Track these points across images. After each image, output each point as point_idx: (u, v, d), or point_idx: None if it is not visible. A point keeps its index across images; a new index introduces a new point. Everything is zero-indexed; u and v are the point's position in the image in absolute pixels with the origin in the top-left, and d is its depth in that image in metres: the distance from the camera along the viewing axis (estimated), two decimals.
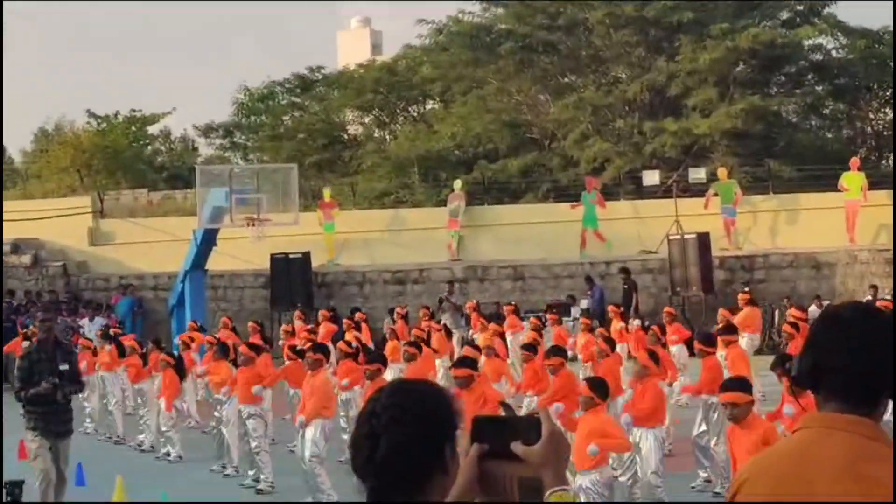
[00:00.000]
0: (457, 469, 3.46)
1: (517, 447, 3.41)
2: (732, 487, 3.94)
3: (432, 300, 37.55)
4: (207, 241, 34.33)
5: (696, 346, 18.59)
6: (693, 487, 16.51)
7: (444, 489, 3.44)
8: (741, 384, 12.02)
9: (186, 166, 59.23)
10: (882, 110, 49.83)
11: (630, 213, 40.21)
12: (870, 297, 35.14)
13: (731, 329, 19.81)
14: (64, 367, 14.91)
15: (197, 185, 35.08)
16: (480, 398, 14.73)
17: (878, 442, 3.69)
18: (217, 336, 25.46)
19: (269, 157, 54.23)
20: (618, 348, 21.31)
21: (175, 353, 24.36)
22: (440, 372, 24.21)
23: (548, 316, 30.31)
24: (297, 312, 32.44)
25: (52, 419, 14.87)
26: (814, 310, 34.99)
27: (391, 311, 33.87)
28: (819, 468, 3.67)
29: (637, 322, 27.17)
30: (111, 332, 27.70)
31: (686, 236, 36.11)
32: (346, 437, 19.59)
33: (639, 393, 15.30)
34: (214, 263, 35.94)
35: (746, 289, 31.90)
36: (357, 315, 32.08)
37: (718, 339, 19.01)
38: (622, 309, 29.52)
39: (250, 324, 28.31)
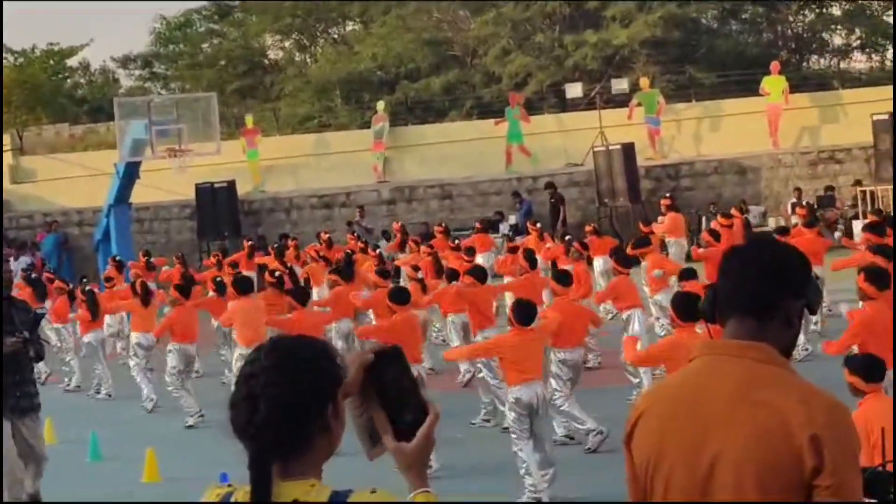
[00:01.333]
0: (341, 426, 3.40)
1: (389, 441, 3.38)
2: (630, 421, 3.95)
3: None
4: (130, 174, 34.04)
5: (612, 264, 18.70)
6: (629, 400, 16.36)
7: (329, 447, 3.40)
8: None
9: (107, 99, 58.32)
10: (801, 13, 49.93)
11: (554, 126, 40.18)
12: (794, 200, 35.47)
13: (643, 241, 19.90)
14: (42, 310, 13.91)
15: (116, 117, 34.72)
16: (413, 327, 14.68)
17: (773, 365, 3.72)
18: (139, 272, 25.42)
19: (190, 85, 53.63)
20: (540, 264, 21.31)
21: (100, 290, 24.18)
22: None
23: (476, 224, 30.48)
24: (219, 244, 32.22)
25: (16, 392, 12.18)
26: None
27: (318, 236, 33.75)
28: (712, 395, 3.71)
29: (558, 237, 27.25)
30: (33, 274, 27.42)
31: (611, 147, 36.17)
32: None
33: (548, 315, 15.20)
34: (139, 196, 35.65)
35: (668, 194, 32.04)
36: (289, 242, 31.96)
37: (638, 252, 19.16)
38: (539, 225, 29.61)
39: (175, 256, 28.17)
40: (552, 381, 14.54)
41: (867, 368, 9.03)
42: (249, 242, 31.36)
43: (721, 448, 3.64)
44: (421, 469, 3.40)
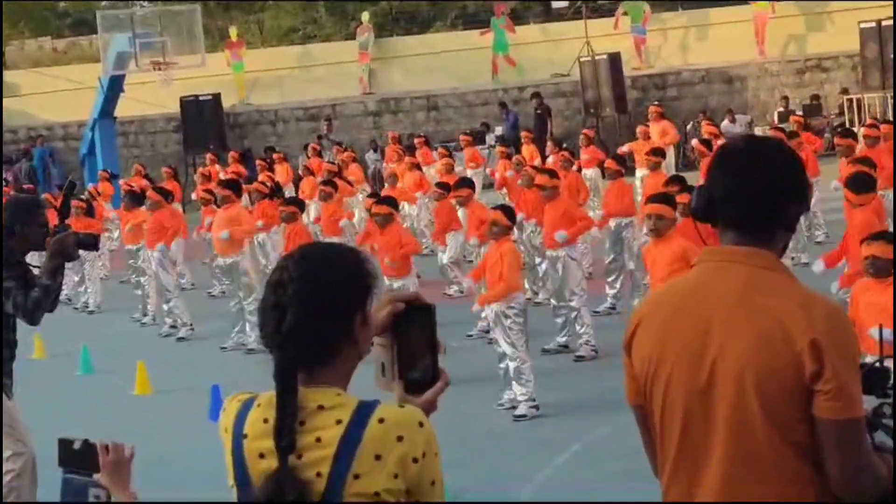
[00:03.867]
0: (368, 337, 3.43)
1: (398, 389, 3.43)
2: (630, 326, 3.96)
3: (347, 135, 37.43)
4: (114, 87, 33.89)
5: (607, 166, 18.48)
6: (597, 312, 16.27)
7: (355, 357, 3.43)
8: (667, 198, 11.93)
9: (91, 11, 57.89)
10: None
11: (540, 36, 39.99)
12: (782, 109, 35.47)
13: (657, 151, 19.49)
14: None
15: (99, 30, 34.52)
16: (397, 240, 14.59)
17: (775, 272, 3.75)
18: (130, 183, 25.21)
19: None
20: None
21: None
22: (356, 214, 23.97)
23: (461, 139, 30.32)
24: (209, 156, 32.10)
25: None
26: (726, 124, 35.29)
27: (305, 148, 33.70)
28: (714, 301, 3.73)
29: (551, 146, 27.09)
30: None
31: (597, 57, 36.04)
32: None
33: (554, 214, 15.05)
34: (123, 110, 35.49)
35: (657, 102, 32.00)
36: (274, 155, 31.92)
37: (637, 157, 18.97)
38: (536, 134, 29.59)
39: (164, 169, 28.00)
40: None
41: None
42: (240, 154, 31.35)
43: (722, 352, 3.67)
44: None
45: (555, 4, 40.24)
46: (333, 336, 3.36)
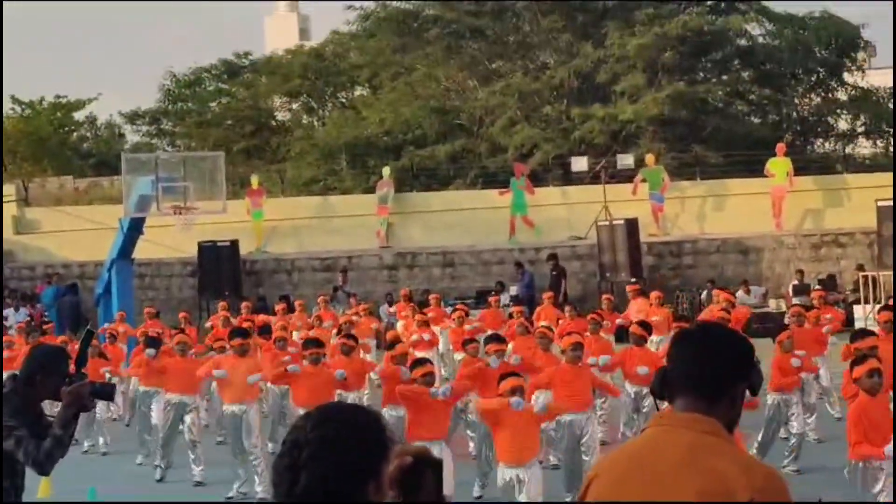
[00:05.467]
0: (383, 500, 3.39)
1: None
2: (584, 484, 4.32)
3: (362, 287, 37.53)
4: (134, 229, 34.03)
5: (632, 331, 18.38)
6: None
7: None
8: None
9: (113, 153, 58.69)
10: (807, 96, 50.23)
11: (558, 199, 40.31)
12: (796, 282, 35.52)
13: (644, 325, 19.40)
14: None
15: (123, 172, 34.78)
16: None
17: (718, 437, 4.15)
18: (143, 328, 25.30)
19: (197, 144, 53.87)
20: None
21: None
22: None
23: (490, 299, 30.35)
24: (221, 303, 32.14)
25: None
26: (741, 295, 35.33)
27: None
28: (663, 461, 4.11)
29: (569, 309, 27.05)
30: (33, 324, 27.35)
31: (614, 222, 36.24)
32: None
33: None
34: (141, 252, 35.63)
35: (633, 280, 32.15)
36: (296, 302, 31.99)
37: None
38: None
39: (181, 314, 28.10)
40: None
41: None
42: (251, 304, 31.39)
43: None
44: None
45: (574, 167, 40.59)
46: (347, 499, 3.31)
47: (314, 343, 17.68)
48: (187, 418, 18.36)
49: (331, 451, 3.31)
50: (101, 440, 21.49)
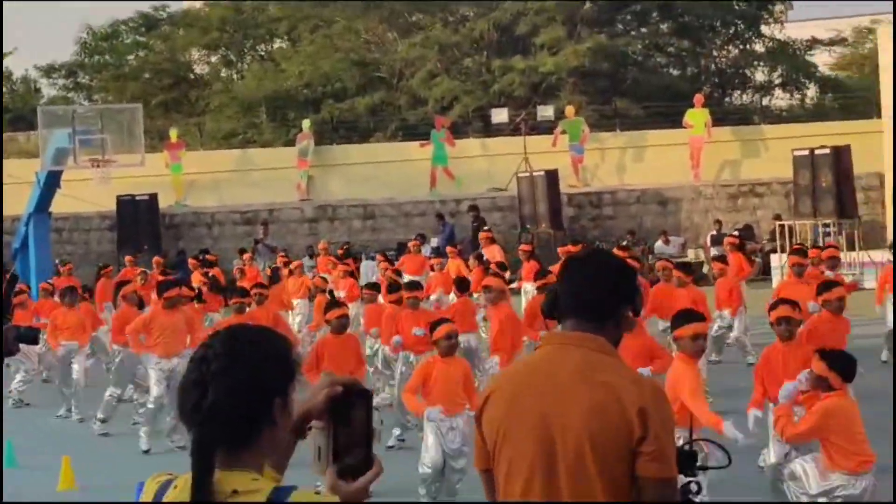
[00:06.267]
0: (288, 422, 3.40)
1: (330, 474, 3.39)
2: (480, 401, 4.57)
3: (283, 241, 37.43)
4: (51, 183, 33.72)
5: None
6: None
7: (274, 442, 3.39)
8: None
9: (29, 108, 57.84)
10: (725, 48, 50.53)
11: (479, 151, 40.35)
12: (714, 232, 35.86)
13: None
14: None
15: (39, 126, 34.42)
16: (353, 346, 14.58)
17: (608, 354, 4.46)
18: (50, 282, 25.18)
19: (114, 97, 53.23)
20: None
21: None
22: (296, 318, 23.94)
23: (410, 244, 30.46)
24: (127, 258, 31.82)
25: None
26: (660, 245, 35.65)
27: (241, 252, 33.61)
28: (558, 376, 4.40)
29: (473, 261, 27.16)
30: None
31: (535, 174, 36.36)
32: None
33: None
34: (59, 206, 35.31)
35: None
36: (208, 257, 31.84)
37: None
38: (472, 247, 29.74)
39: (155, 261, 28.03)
40: None
41: (846, 368, 9.55)
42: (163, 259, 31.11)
43: (564, 421, 4.33)
44: None
45: (495, 119, 40.64)
46: (253, 416, 3.32)
47: (241, 292, 17.62)
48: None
49: (239, 365, 3.31)
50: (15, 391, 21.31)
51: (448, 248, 29.63)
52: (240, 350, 3.35)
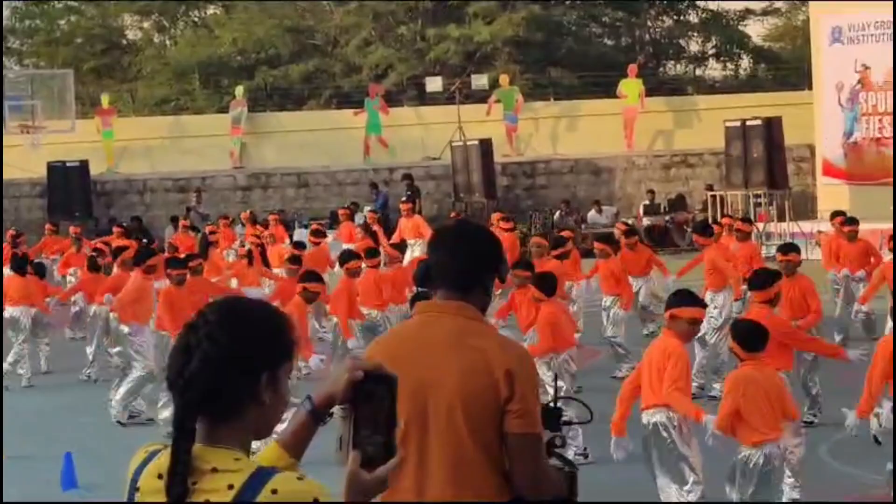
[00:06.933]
0: (278, 403, 3.30)
1: (353, 461, 3.26)
2: None
3: (216, 209, 37.14)
4: None
5: None
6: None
7: (260, 421, 3.30)
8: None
9: None
10: (659, 18, 50.71)
11: (413, 119, 40.30)
12: (647, 202, 36.04)
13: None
14: None
15: None
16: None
17: (478, 321, 4.80)
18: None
19: (45, 62, 52.68)
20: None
21: None
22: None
23: (340, 212, 30.45)
24: (47, 226, 31.37)
25: None
26: (593, 215, 35.78)
27: (174, 220, 33.43)
28: (432, 343, 4.72)
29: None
30: None
31: (469, 143, 36.36)
32: None
33: None
34: None
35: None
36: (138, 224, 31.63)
37: None
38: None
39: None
40: None
41: (747, 338, 9.29)
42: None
43: (438, 384, 4.64)
44: (359, 500, 3.29)
45: (429, 88, 40.58)
46: (237, 389, 3.23)
47: (177, 262, 17.31)
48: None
49: (226, 332, 3.23)
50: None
51: (401, 204, 29.81)
52: (230, 320, 3.26)
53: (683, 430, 9.35)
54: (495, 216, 28.07)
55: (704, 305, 10.12)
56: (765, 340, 9.30)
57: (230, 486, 3.16)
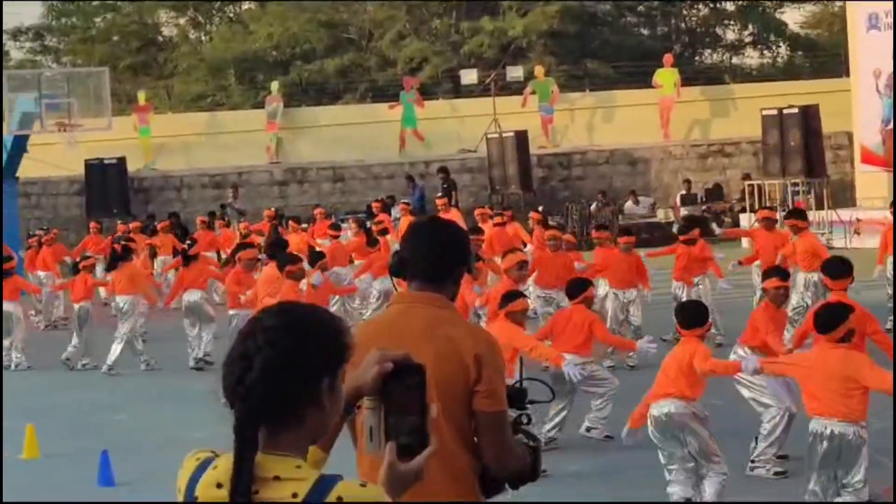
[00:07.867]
0: (335, 407, 3.29)
1: (389, 452, 3.26)
2: None
3: (252, 204, 37.25)
4: (18, 147, 33.53)
5: None
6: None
7: (319, 426, 3.28)
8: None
9: None
10: (695, 7, 50.48)
11: (448, 112, 40.27)
12: (684, 192, 35.89)
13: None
14: None
15: (5, 90, 34.13)
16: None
17: (449, 311, 5.13)
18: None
19: (82, 60, 52.88)
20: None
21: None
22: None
23: (373, 205, 30.54)
24: (92, 224, 31.65)
25: None
26: (630, 205, 35.67)
27: (211, 215, 33.49)
28: (407, 332, 4.97)
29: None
30: None
31: (504, 135, 36.30)
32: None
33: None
34: (26, 170, 35.08)
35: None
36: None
37: None
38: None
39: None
40: None
41: (686, 315, 10.34)
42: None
43: None
44: (395, 493, 3.26)
45: (464, 81, 40.53)
46: (299, 396, 3.20)
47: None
48: None
49: (287, 338, 3.20)
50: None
51: (401, 207, 29.84)
52: (288, 325, 3.23)
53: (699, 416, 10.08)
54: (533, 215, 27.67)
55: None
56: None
57: (294, 495, 3.13)
